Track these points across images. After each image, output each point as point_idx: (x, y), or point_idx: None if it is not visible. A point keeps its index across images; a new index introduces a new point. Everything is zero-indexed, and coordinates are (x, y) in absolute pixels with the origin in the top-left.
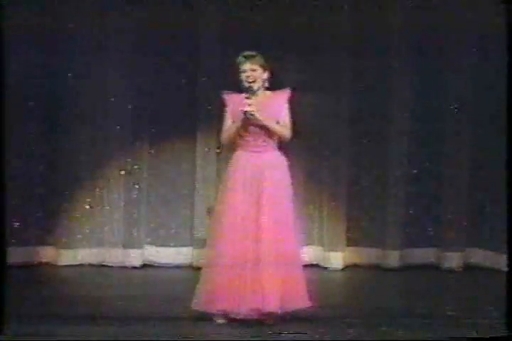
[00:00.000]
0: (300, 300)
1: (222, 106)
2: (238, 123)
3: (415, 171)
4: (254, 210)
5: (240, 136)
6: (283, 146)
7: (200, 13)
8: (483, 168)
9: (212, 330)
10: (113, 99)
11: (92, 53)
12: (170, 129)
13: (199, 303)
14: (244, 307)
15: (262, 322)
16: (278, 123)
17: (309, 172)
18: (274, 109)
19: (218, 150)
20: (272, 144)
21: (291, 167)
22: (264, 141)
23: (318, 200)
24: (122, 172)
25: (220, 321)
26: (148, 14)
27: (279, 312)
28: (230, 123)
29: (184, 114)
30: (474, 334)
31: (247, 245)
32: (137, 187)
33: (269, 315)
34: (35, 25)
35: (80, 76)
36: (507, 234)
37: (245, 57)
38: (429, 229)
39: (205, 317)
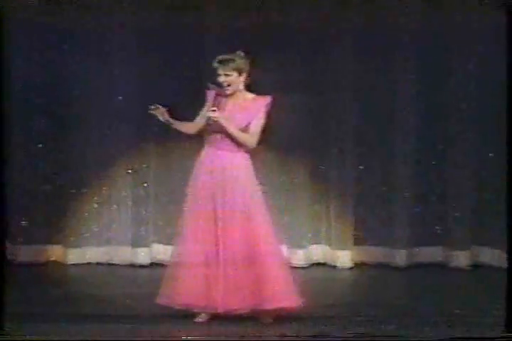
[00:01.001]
0: (283, 299)
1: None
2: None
3: (422, 170)
4: (219, 209)
5: (208, 132)
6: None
7: (204, 12)
8: (490, 167)
9: (219, 330)
10: (120, 98)
11: (100, 52)
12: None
13: (162, 297)
14: (205, 303)
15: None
16: (247, 128)
17: (316, 172)
18: (249, 113)
19: None
20: (235, 145)
21: (296, 166)
22: (232, 141)
23: (325, 199)
24: (130, 171)
25: (200, 319)
26: (154, 13)
27: (240, 311)
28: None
29: (191, 113)
30: (481, 334)
31: (210, 243)
32: (145, 185)
33: (229, 312)
34: (45, 24)
35: (87, 75)
36: (507, 233)
37: (219, 62)
38: (437, 228)
39: (214, 317)
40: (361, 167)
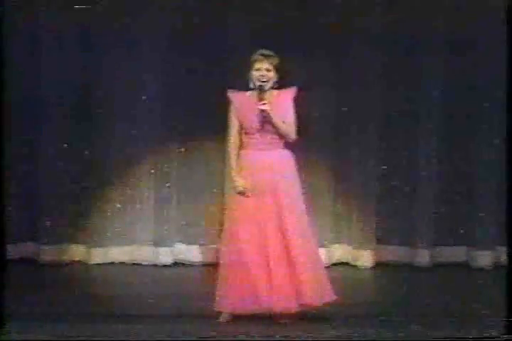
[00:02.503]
0: (325, 295)
1: (227, 104)
2: (234, 163)
3: (445, 170)
4: (270, 211)
5: (246, 134)
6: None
7: (230, 12)
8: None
9: (242, 329)
10: (144, 98)
11: (125, 53)
12: (200, 128)
13: (222, 304)
14: (256, 306)
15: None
16: (283, 122)
17: (339, 171)
18: (281, 107)
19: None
20: (279, 142)
21: (319, 166)
22: (272, 139)
23: (347, 199)
24: (153, 171)
25: (223, 319)
26: (179, 13)
27: (293, 310)
28: (236, 127)
29: (214, 113)
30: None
31: (258, 243)
32: (167, 185)
33: (281, 313)
34: (70, 23)
35: (112, 75)
36: (507, 234)
37: (263, 55)
38: (460, 228)
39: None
40: (384, 167)
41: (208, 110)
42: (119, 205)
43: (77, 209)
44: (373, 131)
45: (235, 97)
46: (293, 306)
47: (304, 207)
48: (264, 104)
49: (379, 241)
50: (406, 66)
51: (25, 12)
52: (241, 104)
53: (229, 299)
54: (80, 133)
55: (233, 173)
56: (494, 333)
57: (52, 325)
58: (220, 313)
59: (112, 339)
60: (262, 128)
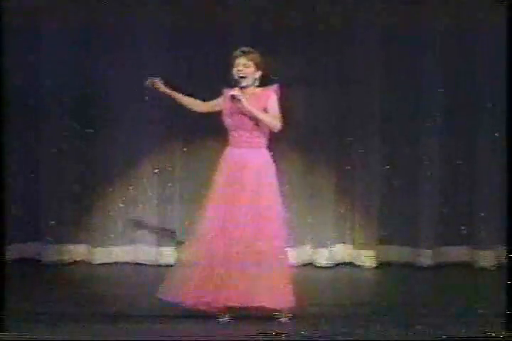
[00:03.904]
0: (280, 299)
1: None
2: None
3: (448, 170)
4: (233, 207)
5: (228, 130)
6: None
7: (233, 12)
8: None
9: (247, 330)
10: (147, 98)
11: (127, 52)
12: (203, 128)
13: (164, 293)
14: (201, 300)
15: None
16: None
17: (341, 171)
18: (261, 100)
19: None
20: (258, 140)
21: (321, 166)
22: (249, 138)
23: (350, 199)
24: (156, 171)
25: (222, 320)
26: (182, 13)
27: (237, 305)
28: (212, 102)
29: (217, 113)
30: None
31: (220, 243)
32: (170, 185)
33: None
34: (69, 23)
35: (114, 74)
36: (506, 234)
37: (242, 51)
38: (463, 228)
39: (239, 316)
40: (387, 167)
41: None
42: (122, 205)
43: (80, 209)
44: (376, 130)
45: (225, 93)
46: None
47: (280, 208)
48: (236, 90)
49: (381, 241)
50: (407, 65)
51: (24, 11)
52: (224, 98)
53: (172, 289)
54: (82, 133)
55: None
56: (496, 332)
57: (56, 325)
58: (220, 314)
59: (115, 339)
60: (239, 125)
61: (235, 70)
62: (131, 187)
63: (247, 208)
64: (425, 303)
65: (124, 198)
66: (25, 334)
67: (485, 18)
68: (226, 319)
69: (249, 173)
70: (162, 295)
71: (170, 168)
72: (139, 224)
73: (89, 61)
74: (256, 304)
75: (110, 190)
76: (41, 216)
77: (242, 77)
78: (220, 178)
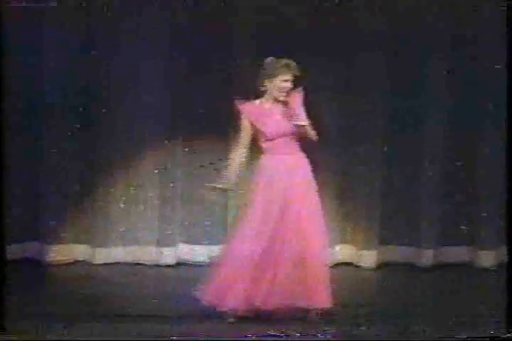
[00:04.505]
0: (319, 299)
1: (237, 114)
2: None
3: (449, 170)
4: (280, 212)
5: (266, 140)
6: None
7: (235, 12)
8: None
9: (247, 329)
10: (148, 98)
11: (128, 51)
12: (204, 128)
13: (205, 296)
14: (243, 303)
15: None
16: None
17: (343, 171)
18: (296, 109)
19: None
20: (297, 145)
21: (323, 166)
22: (291, 143)
23: (351, 199)
24: (156, 171)
25: (231, 319)
26: (184, 12)
27: (279, 309)
28: (248, 134)
29: (218, 113)
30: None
31: (264, 244)
32: (171, 185)
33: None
34: (71, 24)
35: (114, 74)
36: (506, 234)
37: (289, 67)
38: (463, 228)
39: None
40: (387, 167)
41: (212, 110)
42: (122, 205)
43: (81, 209)
44: (377, 131)
45: (245, 108)
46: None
47: (320, 210)
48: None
49: (382, 241)
50: (409, 67)
51: (25, 12)
52: (255, 114)
53: (210, 291)
54: (83, 133)
55: (229, 168)
56: (497, 333)
57: (55, 325)
58: (229, 314)
59: (115, 339)
60: (282, 134)
61: (280, 85)
62: (131, 188)
63: (297, 207)
64: (425, 303)
65: (125, 198)
66: (24, 335)
67: (485, 19)
68: (232, 319)
69: (300, 177)
70: (205, 299)
71: (170, 169)
72: (139, 225)
73: (90, 61)
74: (306, 305)
75: (111, 190)
76: (41, 216)
77: (285, 92)
78: (265, 183)
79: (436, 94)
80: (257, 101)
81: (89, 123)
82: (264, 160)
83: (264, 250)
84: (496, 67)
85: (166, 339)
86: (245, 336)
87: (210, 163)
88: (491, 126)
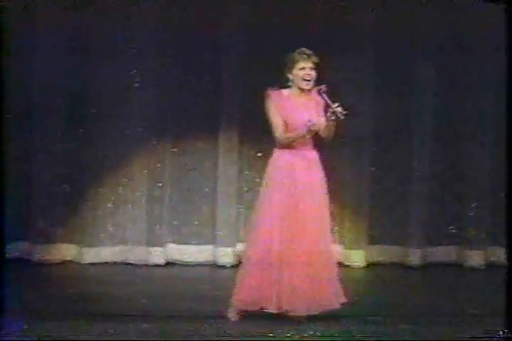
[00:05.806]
0: (334, 299)
1: (263, 100)
2: (301, 133)
3: (437, 170)
4: (293, 210)
5: (288, 132)
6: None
7: (225, 12)
8: (506, 166)
9: (235, 328)
10: (136, 99)
11: (117, 53)
12: (192, 128)
13: (239, 301)
14: (270, 306)
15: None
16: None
17: (331, 171)
18: (317, 105)
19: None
20: (311, 141)
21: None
22: (309, 139)
23: (340, 198)
24: (145, 171)
25: (234, 318)
26: (173, 13)
27: (305, 314)
28: (281, 122)
29: (207, 114)
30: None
31: (281, 245)
32: (159, 185)
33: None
34: (63, 25)
35: (104, 75)
36: (506, 233)
37: (307, 54)
38: (451, 228)
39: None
40: (375, 167)
41: (201, 110)
42: (111, 205)
43: (70, 209)
44: (366, 131)
45: (274, 95)
46: (311, 308)
47: (326, 210)
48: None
49: (371, 240)
50: (399, 68)
51: (17, 13)
52: (284, 103)
53: (240, 295)
54: (72, 134)
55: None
56: (484, 332)
57: (44, 324)
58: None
59: (101, 339)
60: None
61: (301, 73)
62: (120, 188)
63: (311, 207)
64: (414, 303)
65: (114, 198)
66: (13, 333)
67: (484, 20)
68: (235, 316)
69: (315, 174)
70: (242, 306)
71: (159, 169)
72: (128, 224)
73: (80, 63)
74: (332, 307)
75: (99, 190)
76: (31, 216)
77: (307, 80)
78: (278, 178)
79: (425, 95)
80: (286, 91)
81: (79, 124)
82: (281, 153)
83: (283, 251)
84: (486, 66)
85: (155, 339)
86: (242, 334)
87: (198, 163)
88: (478, 126)
